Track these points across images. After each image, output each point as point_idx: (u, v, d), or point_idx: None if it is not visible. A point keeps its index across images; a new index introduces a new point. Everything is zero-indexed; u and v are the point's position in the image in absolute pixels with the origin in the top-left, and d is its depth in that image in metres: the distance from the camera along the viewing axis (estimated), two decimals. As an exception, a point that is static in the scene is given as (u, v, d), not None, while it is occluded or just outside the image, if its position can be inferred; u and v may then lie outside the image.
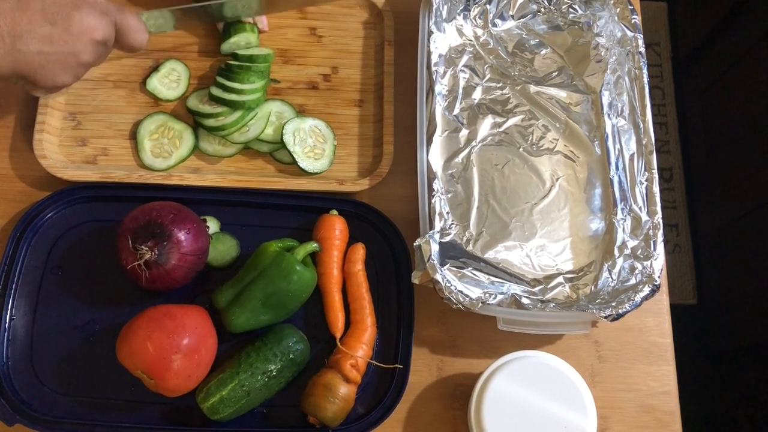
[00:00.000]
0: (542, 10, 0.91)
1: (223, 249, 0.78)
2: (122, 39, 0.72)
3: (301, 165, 0.82)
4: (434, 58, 0.84)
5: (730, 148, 1.67)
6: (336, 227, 0.78)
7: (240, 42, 0.85)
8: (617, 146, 0.85)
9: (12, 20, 0.62)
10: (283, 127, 0.82)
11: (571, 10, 0.91)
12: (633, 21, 0.87)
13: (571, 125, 0.87)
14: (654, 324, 0.82)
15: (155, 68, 0.86)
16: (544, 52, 0.91)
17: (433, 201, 0.76)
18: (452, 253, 0.78)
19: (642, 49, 0.86)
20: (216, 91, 0.83)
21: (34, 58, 0.64)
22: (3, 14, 0.62)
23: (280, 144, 0.82)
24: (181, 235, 0.71)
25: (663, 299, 0.83)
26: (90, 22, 0.66)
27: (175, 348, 0.67)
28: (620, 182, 0.83)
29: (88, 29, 0.66)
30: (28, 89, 0.71)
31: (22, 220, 0.77)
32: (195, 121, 0.84)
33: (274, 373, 0.71)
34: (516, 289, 0.77)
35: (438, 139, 0.81)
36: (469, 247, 0.80)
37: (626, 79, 0.86)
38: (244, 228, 0.80)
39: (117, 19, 0.70)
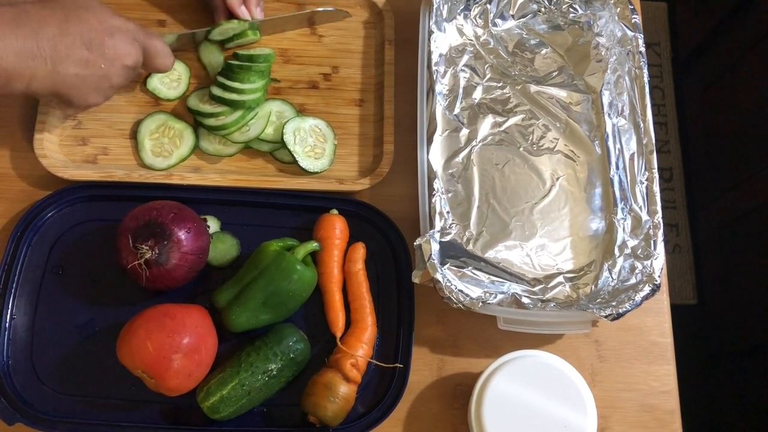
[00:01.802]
0: (542, 9, 0.91)
1: (224, 248, 0.78)
2: (149, 62, 0.76)
3: (301, 164, 0.82)
4: (435, 58, 0.84)
5: (730, 148, 1.67)
6: (336, 227, 0.78)
7: (228, 31, 0.85)
8: (617, 146, 0.85)
9: (54, 45, 0.66)
10: (283, 127, 0.82)
11: (571, 9, 0.91)
12: (633, 21, 0.87)
13: (572, 125, 0.87)
14: (654, 324, 0.82)
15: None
16: (544, 51, 0.91)
17: (433, 200, 0.76)
18: (452, 252, 0.78)
19: (642, 49, 0.86)
20: (216, 91, 0.83)
21: (71, 80, 0.69)
22: (46, 39, 0.66)
23: (281, 143, 0.82)
24: (182, 235, 0.71)
25: (663, 299, 0.83)
26: (122, 49, 0.71)
27: (176, 347, 0.67)
28: (620, 182, 0.83)
29: (121, 55, 0.71)
30: (61, 108, 0.77)
31: (23, 220, 0.77)
32: (195, 121, 0.84)
33: (275, 373, 0.71)
34: (516, 288, 0.77)
35: (438, 138, 0.81)
36: (470, 247, 0.80)
37: (626, 78, 0.86)
38: (245, 227, 0.80)
39: (145, 44, 0.74)
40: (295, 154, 0.82)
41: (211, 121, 0.81)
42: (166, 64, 0.78)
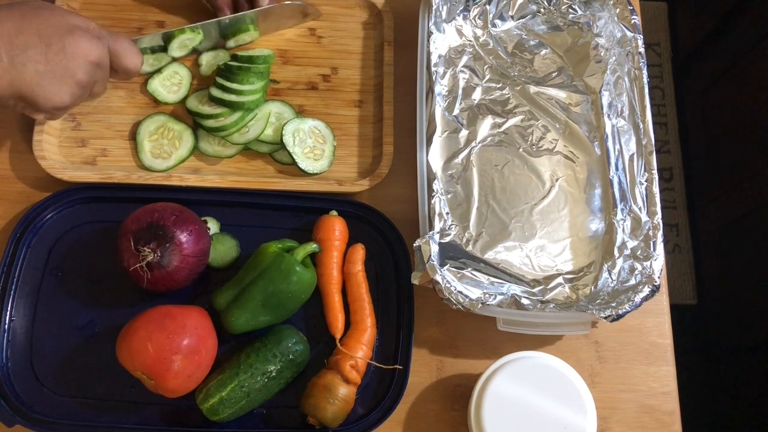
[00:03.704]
0: (542, 10, 0.91)
1: (223, 250, 0.78)
2: (117, 62, 0.73)
3: (300, 166, 0.82)
4: (434, 59, 0.84)
5: (730, 148, 1.67)
6: (336, 228, 0.78)
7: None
8: (617, 146, 0.85)
9: (9, 42, 0.64)
10: (282, 128, 0.82)
11: (570, 10, 0.91)
12: (633, 21, 0.87)
13: (571, 126, 0.87)
14: (654, 324, 0.82)
15: (158, 70, 0.86)
16: (543, 52, 0.91)
17: (432, 201, 0.76)
18: (452, 253, 0.78)
19: (642, 50, 0.86)
20: (216, 92, 0.83)
21: (31, 77, 0.66)
22: (1, 37, 0.63)
23: (280, 145, 0.82)
24: (183, 237, 0.71)
25: (663, 300, 0.83)
26: (84, 45, 0.68)
27: (176, 348, 0.67)
28: (620, 182, 0.83)
29: (83, 51, 0.68)
30: (29, 112, 0.72)
31: (22, 221, 0.77)
32: (195, 122, 0.84)
33: (274, 374, 0.71)
34: (516, 289, 0.77)
35: (438, 139, 0.81)
36: (469, 248, 0.80)
37: (626, 79, 0.86)
38: (244, 229, 0.80)
39: (110, 43, 0.72)
40: (294, 156, 0.82)
41: (210, 123, 0.81)
42: (135, 63, 0.75)
